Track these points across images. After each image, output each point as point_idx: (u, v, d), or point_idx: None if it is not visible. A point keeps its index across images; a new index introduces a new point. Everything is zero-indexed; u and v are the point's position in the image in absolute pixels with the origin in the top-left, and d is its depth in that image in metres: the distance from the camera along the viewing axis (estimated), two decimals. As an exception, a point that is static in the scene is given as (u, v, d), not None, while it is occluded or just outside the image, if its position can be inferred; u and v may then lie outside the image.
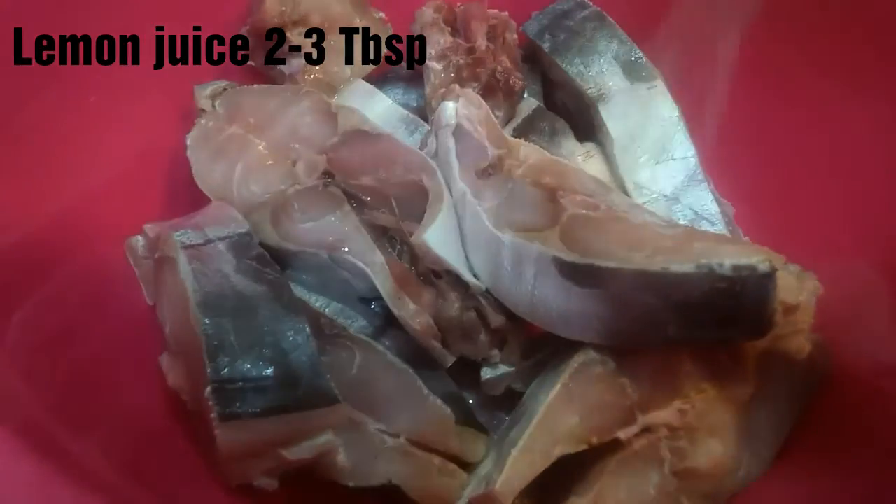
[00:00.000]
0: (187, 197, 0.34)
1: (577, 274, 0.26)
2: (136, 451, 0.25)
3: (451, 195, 0.30)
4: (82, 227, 0.32)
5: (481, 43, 0.37)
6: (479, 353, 0.30)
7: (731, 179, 0.39)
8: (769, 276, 0.23)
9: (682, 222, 0.35)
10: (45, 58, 0.32)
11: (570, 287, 0.26)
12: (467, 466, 0.28)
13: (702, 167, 0.37)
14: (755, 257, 0.24)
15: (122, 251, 0.32)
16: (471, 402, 0.31)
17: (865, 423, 0.27)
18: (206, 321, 0.24)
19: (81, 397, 0.26)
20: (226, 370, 0.23)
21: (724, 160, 0.39)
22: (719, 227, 0.36)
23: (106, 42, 0.35)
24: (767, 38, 0.38)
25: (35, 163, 0.32)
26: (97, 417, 0.25)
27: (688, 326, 0.25)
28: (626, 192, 0.37)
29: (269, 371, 0.24)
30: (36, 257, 0.30)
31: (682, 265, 0.24)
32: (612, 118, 0.37)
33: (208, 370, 0.23)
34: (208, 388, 0.23)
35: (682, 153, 0.37)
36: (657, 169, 0.37)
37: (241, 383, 0.23)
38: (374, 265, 0.28)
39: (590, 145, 0.38)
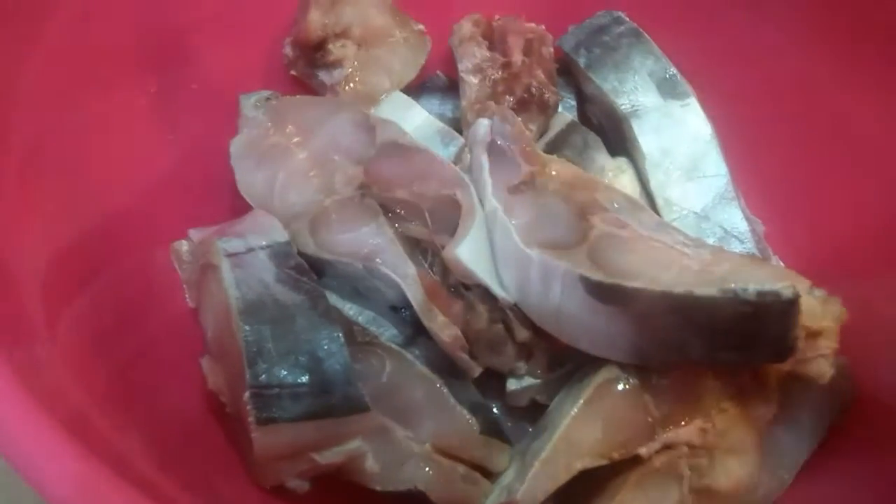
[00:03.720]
0: (230, 203, 0.36)
1: (603, 293, 0.26)
2: (176, 448, 0.26)
3: (484, 210, 0.31)
4: (129, 231, 0.34)
5: (517, 58, 0.38)
6: (506, 365, 0.31)
7: (762, 197, 0.39)
8: (793, 303, 0.24)
9: (711, 240, 0.36)
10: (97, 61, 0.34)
11: (596, 305, 0.27)
12: (490, 475, 0.29)
13: (733, 185, 0.37)
14: (780, 283, 0.24)
15: (166, 254, 0.34)
16: (495, 411, 0.32)
17: (888, 448, 0.28)
18: (247, 328, 0.26)
19: (125, 394, 0.27)
20: (263, 376, 0.25)
21: (755, 177, 0.39)
22: (748, 246, 0.36)
23: (156, 48, 0.37)
24: (801, 55, 0.38)
25: (85, 166, 0.33)
26: (140, 414, 0.26)
27: (711, 348, 0.25)
28: (656, 208, 0.37)
29: (305, 378, 0.25)
30: (84, 258, 0.31)
31: (707, 288, 0.24)
32: (645, 134, 0.37)
33: (247, 376, 0.24)
34: (247, 394, 0.24)
35: (714, 171, 0.37)
36: (688, 186, 0.37)
37: (277, 389, 0.25)
38: (407, 277, 0.29)
39: (622, 160, 0.38)
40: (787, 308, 0.24)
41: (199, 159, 0.38)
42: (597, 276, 0.26)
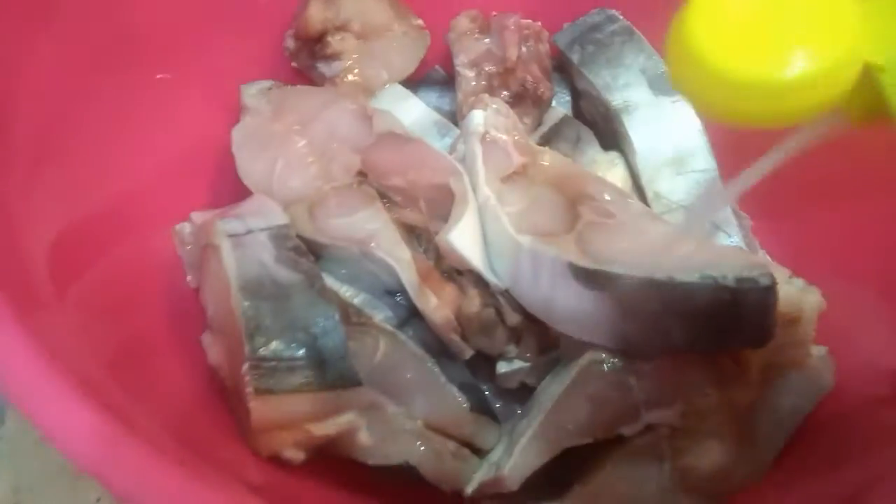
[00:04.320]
0: (230, 189, 0.37)
1: (589, 279, 0.27)
2: (178, 417, 0.27)
3: (477, 199, 0.32)
4: (132, 213, 0.35)
5: (512, 52, 0.39)
6: (496, 349, 0.32)
7: (750, 193, 0.40)
8: (769, 290, 0.25)
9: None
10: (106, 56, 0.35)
11: (583, 291, 0.28)
12: (479, 453, 0.30)
13: (721, 180, 0.38)
14: (757, 270, 0.25)
15: (168, 237, 0.35)
16: (487, 393, 0.33)
17: (864, 434, 0.29)
18: (246, 304, 0.27)
19: (131, 366, 0.28)
20: (262, 349, 0.26)
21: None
22: (736, 239, 0.37)
23: (162, 38, 0.38)
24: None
25: (92, 148, 0.34)
26: (145, 385, 0.27)
27: (691, 334, 0.26)
28: (646, 201, 0.38)
29: (301, 352, 0.26)
30: (89, 237, 0.32)
31: (687, 275, 0.26)
32: (636, 129, 0.38)
33: (246, 349, 0.26)
34: (245, 365, 0.25)
35: (703, 166, 0.38)
36: (677, 180, 0.38)
37: (274, 362, 0.26)
38: (401, 260, 0.30)
39: (613, 154, 0.39)
40: (764, 295, 0.25)
41: (201, 146, 0.39)
42: (583, 262, 0.28)
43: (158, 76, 0.38)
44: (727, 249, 0.30)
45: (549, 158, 0.34)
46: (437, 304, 0.30)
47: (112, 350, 0.27)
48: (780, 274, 0.27)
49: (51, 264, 0.27)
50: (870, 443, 0.28)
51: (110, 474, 0.20)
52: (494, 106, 0.33)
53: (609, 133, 0.41)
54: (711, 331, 0.26)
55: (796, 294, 0.27)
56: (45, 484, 0.36)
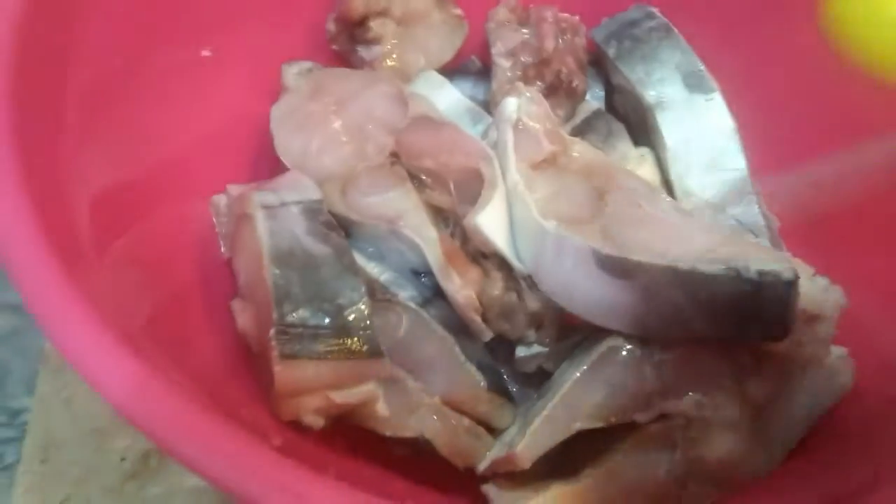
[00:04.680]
0: (267, 164, 0.38)
1: (612, 266, 0.28)
2: (210, 377, 0.28)
3: (506, 184, 0.32)
4: (172, 182, 0.36)
5: (549, 44, 0.39)
6: (516, 333, 0.32)
7: (781, 196, 0.40)
8: (791, 284, 0.25)
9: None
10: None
11: (605, 278, 0.28)
12: (494, 432, 0.31)
13: (751, 180, 0.38)
14: (780, 265, 0.25)
15: (204, 207, 0.36)
16: (506, 376, 0.34)
17: (880, 437, 0.29)
18: (276, 272, 0.28)
19: (166, 326, 0.30)
20: (289, 316, 0.27)
21: (775, 176, 0.40)
22: (762, 240, 0.37)
23: (210, 15, 0.39)
24: (834, 58, 0.39)
25: (138, 117, 0.35)
26: (178, 344, 0.28)
27: (711, 324, 0.27)
28: (674, 197, 0.38)
29: (327, 321, 0.27)
30: (129, 203, 0.33)
31: (710, 265, 0.26)
32: (668, 125, 0.39)
33: (274, 315, 0.26)
34: (272, 330, 0.26)
35: (734, 165, 0.38)
36: (707, 178, 0.38)
37: (301, 329, 0.26)
38: (428, 240, 0.31)
39: (644, 149, 0.40)
40: (785, 289, 0.25)
41: (242, 122, 0.40)
42: (607, 249, 0.28)
43: (203, 53, 0.39)
44: (752, 244, 0.30)
45: (579, 149, 0.34)
46: (461, 284, 0.30)
47: (148, 309, 0.29)
48: (804, 271, 0.27)
49: (92, 222, 0.28)
50: (884, 446, 0.28)
51: (149, 421, 0.21)
52: (528, 94, 0.34)
53: (641, 129, 0.41)
54: (732, 322, 0.26)
55: (818, 292, 0.27)
56: (72, 443, 0.37)
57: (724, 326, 0.26)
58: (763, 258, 0.26)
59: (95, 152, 0.31)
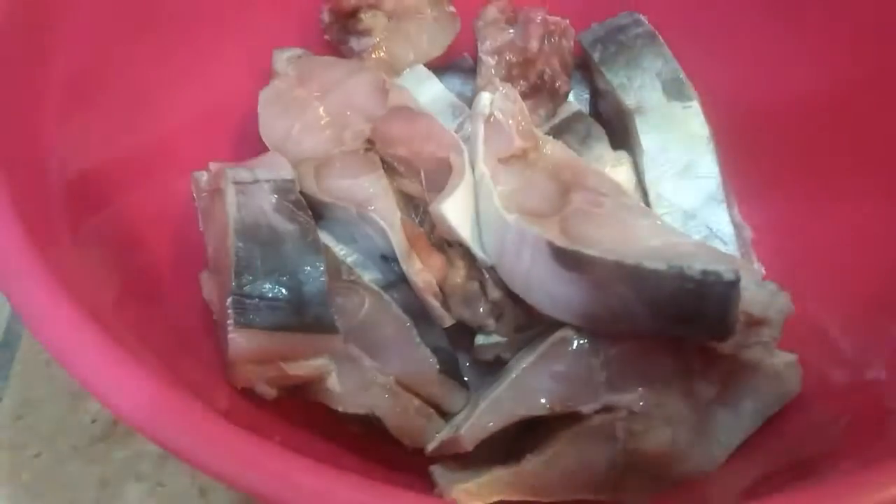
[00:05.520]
0: (253, 146, 0.39)
1: (565, 259, 0.28)
2: (173, 344, 0.29)
3: (474, 175, 0.33)
4: (157, 160, 0.37)
5: (534, 45, 0.40)
6: (477, 321, 0.33)
7: (756, 206, 0.40)
8: (733, 285, 0.26)
9: (695, 237, 0.38)
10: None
11: (559, 270, 0.29)
12: (448, 417, 0.32)
13: (724, 189, 0.39)
14: (724, 265, 0.26)
15: (188, 184, 0.37)
16: (460, 361, 0.34)
17: (821, 443, 0.29)
18: (240, 244, 0.29)
19: (136, 300, 0.31)
20: (247, 287, 0.28)
21: (751, 186, 0.41)
22: (731, 248, 0.38)
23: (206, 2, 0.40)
24: (814, 70, 0.40)
25: (126, 96, 0.36)
26: (144, 317, 0.29)
27: (655, 320, 0.27)
28: (648, 202, 0.39)
29: (284, 294, 0.28)
30: (113, 177, 0.34)
31: (655, 262, 0.26)
32: (646, 131, 0.39)
33: (232, 284, 0.27)
34: (229, 299, 0.27)
35: (707, 172, 0.39)
36: (681, 184, 0.39)
37: (257, 300, 0.27)
38: (393, 224, 0.32)
39: (621, 153, 0.40)
40: (727, 289, 0.26)
41: (231, 104, 0.41)
42: (561, 242, 0.29)
43: (198, 32, 0.40)
44: (706, 247, 0.30)
45: (552, 147, 0.35)
46: (421, 268, 0.31)
47: (120, 284, 0.29)
48: (753, 275, 0.27)
49: (68, 198, 0.29)
50: (824, 452, 0.28)
51: (111, 395, 0.22)
52: (504, 91, 0.35)
53: (622, 133, 0.41)
54: (674, 319, 0.27)
55: (765, 296, 0.27)
56: (47, 403, 0.38)
57: (666, 323, 0.27)
58: (709, 258, 0.27)
59: (79, 128, 0.32)
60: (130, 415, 0.21)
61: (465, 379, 0.33)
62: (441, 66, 0.45)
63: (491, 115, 0.34)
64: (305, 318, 0.28)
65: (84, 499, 0.34)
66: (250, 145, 0.39)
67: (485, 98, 0.34)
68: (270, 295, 0.28)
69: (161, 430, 0.21)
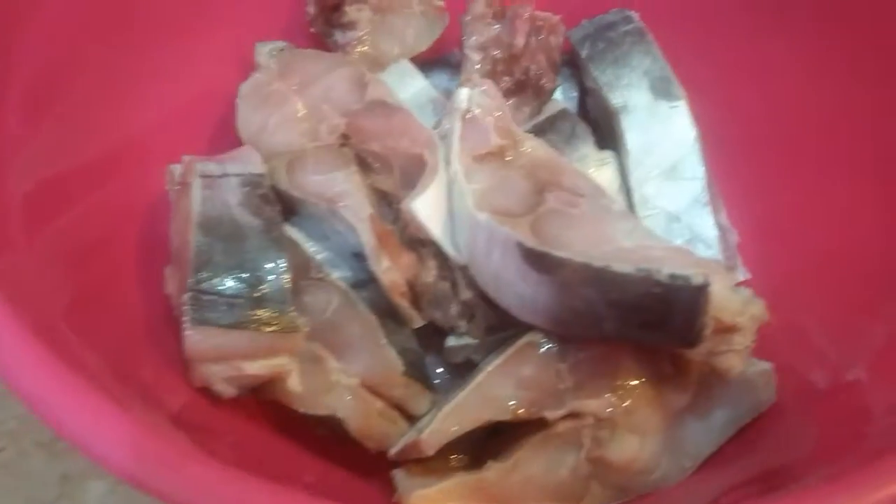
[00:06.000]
0: (232, 140, 0.39)
1: (534, 259, 0.28)
2: (128, 343, 0.28)
3: (448, 173, 0.32)
4: (134, 155, 0.36)
5: (519, 40, 0.39)
6: (447, 322, 0.32)
7: (743, 210, 0.39)
8: (701, 290, 0.25)
9: (679, 241, 0.37)
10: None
11: (528, 272, 0.28)
12: (413, 419, 0.31)
13: (710, 192, 0.38)
14: (693, 270, 0.25)
15: (163, 178, 0.37)
16: (439, 370, 0.34)
17: (794, 455, 0.28)
18: (201, 238, 0.28)
19: (97, 294, 0.30)
20: (205, 283, 0.27)
21: (738, 189, 0.40)
22: (714, 252, 0.37)
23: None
24: (803, 75, 0.39)
25: (98, 95, 0.35)
26: (98, 324, 0.29)
27: (622, 324, 0.26)
28: (632, 203, 0.38)
29: (243, 291, 0.27)
30: (86, 173, 0.34)
31: (623, 265, 0.26)
32: (631, 130, 0.38)
33: (190, 280, 0.27)
34: (186, 295, 0.27)
35: (692, 174, 0.38)
36: (665, 185, 0.38)
37: (215, 296, 0.27)
38: (363, 221, 0.31)
39: (607, 153, 0.39)
40: (695, 294, 0.25)
41: (212, 98, 0.41)
42: (531, 242, 0.28)
43: (182, 26, 0.40)
44: (679, 250, 0.29)
45: (531, 145, 0.34)
46: (389, 266, 0.30)
47: (76, 284, 0.29)
48: (727, 280, 0.26)
49: (26, 203, 0.28)
50: (798, 460, 0.27)
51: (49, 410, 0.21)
52: (483, 87, 0.34)
53: (609, 133, 0.41)
54: (641, 323, 0.26)
55: (739, 303, 0.26)
56: (12, 398, 0.38)
57: (633, 328, 0.26)
58: (680, 262, 0.26)
59: (45, 129, 0.31)
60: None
61: (435, 381, 0.32)
62: (429, 61, 0.44)
63: (468, 111, 0.33)
64: (264, 316, 0.27)
65: (46, 494, 0.34)
66: (229, 139, 0.39)
67: (463, 94, 0.33)
68: (229, 292, 0.27)
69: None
